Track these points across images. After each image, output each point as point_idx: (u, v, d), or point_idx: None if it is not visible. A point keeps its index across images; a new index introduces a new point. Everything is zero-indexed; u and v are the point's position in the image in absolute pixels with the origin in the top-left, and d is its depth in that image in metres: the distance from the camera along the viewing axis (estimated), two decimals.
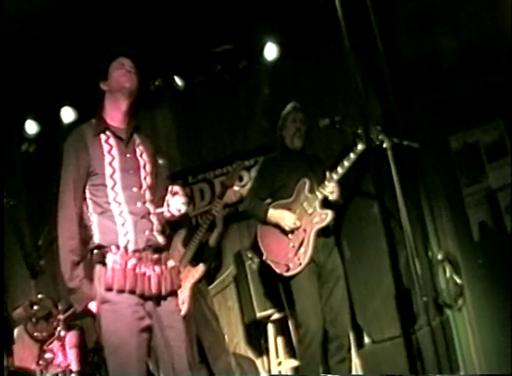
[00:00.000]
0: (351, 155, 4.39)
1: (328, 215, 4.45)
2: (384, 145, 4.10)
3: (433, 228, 5.67)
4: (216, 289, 5.67)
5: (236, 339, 5.69)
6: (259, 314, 5.12)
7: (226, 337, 5.07)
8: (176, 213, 3.08)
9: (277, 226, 4.48)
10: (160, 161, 4.71)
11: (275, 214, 4.48)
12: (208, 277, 5.20)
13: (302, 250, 4.38)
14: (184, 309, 4.46)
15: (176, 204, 3.06)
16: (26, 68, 5.10)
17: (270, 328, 5.27)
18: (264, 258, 4.50)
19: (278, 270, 4.42)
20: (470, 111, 5.67)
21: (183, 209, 3.09)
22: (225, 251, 5.65)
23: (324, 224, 4.45)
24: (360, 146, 4.38)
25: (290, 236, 4.45)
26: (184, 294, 4.55)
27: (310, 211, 4.45)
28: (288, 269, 4.37)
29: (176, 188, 3.11)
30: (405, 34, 5.57)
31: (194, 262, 4.74)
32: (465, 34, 5.42)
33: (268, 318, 5.20)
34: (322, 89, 5.73)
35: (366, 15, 5.50)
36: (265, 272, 4.76)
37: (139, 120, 5.82)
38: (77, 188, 3.04)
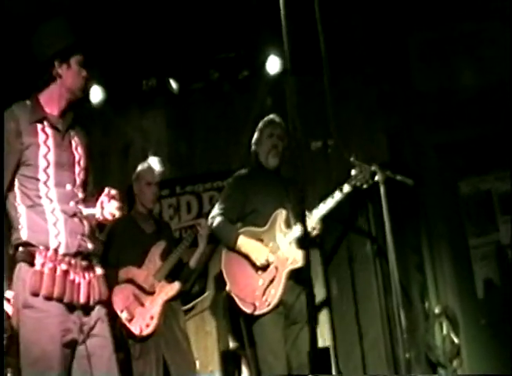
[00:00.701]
0: (337, 194, 3.97)
1: (303, 257, 4.00)
2: (377, 178, 3.69)
3: (432, 278, 5.19)
4: (195, 311, 5.28)
5: (210, 367, 5.23)
6: (232, 344, 4.77)
7: (198, 362, 4.68)
8: (110, 217, 2.85)
9: (246, 257, 4.02)
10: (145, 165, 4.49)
11: (246, 244, 3.99)
12: (187, 298, 4.91)
13: (272, 291, 3.90)
14: (152, 325, 4.19)
15: (111, 208, 2.83)
16: None
17: (244, 361, 4.84)
18: (227, 289, 4.02)
19: (243, 308, 3.91)
20: (485, 155, 5.27)
21: (117, 214, 2.85)
22: (210, 273, 5.31)
23: (297, 266, 3.93)
24: (347, 188, 3.97)
25: (259, 272, 3.97)
26: (154, 309, 4.23)
27: (284, 248, 3.98)
28: (255, 309, 3.89)
29: (113, 192, 2.86)
30: (420, 65, 5.21)
31: (170, 279, 4.38)
32: (484, 71, 5.05)
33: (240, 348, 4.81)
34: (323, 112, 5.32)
35: (380, 41, 5.39)
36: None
37: (130, 119, 5.69)
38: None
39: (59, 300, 2.72)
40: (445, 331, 5.01)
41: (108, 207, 2.82)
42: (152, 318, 4.20)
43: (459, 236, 5.35)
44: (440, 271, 5.23)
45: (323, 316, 5.11)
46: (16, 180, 2.84)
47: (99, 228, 3.11)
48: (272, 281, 3.92)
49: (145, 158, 4.62)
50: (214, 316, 5.21)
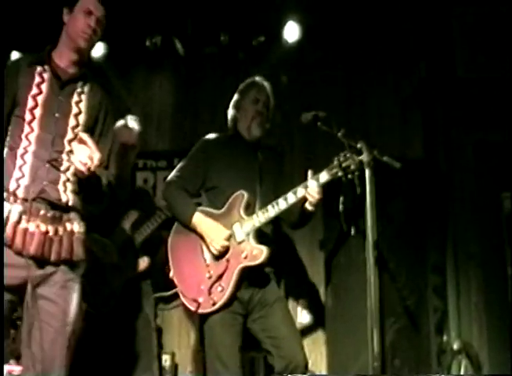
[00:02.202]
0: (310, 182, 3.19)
1: (263, 254, 3.21)
2: (362, 157, 2.91)
3: (455, 306, 4.32)
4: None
5: (190, 368, 4.55)
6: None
7: (168, 358, 4.30)
8: (82, 168, 2.62)
9: (198, 240, 3.34)
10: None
11: (203, 223, 3.31)
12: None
13: (219, 288, 3.23)
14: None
15: (80, 155, 2.64)
16: None
17: None
18: (171, 275, 3.37)
19: (185, 301, 3.27)
20: None
21: (90, 165, 2.61)
22: None
23: (254, 264, 3.22)
24: (324, 176, 3.20)
25: (208, 260, 3.30)
26: None
27: (240, 238, 3.28)
28: (198, 307, 3.22)
29: (85, 137, 2.69)
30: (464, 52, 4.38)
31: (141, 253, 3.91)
32: None
33: None
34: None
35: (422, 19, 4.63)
36: None
37: (133, 81, 5.12)
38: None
39: (9, 246, 2.61)
40: (462, 371, 4.12)
41: (78, 153, 2.65)
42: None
43: (495, 261, 4.45)
44: (465, 299, 4.36)
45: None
46: (11, 121, 2.81)
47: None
48: (220, 276, 3.22)
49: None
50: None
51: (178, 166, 3.49)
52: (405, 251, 3.92)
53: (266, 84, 3.54)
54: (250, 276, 3.27)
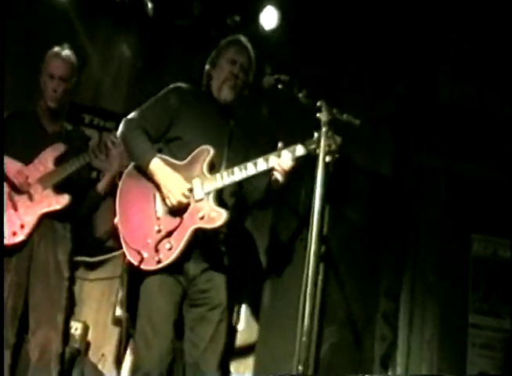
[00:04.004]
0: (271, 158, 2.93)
1: (221, 218, 2.91)
2: (319, 115, 2.70)
3: (405, 339, 3.94)
4: (104, 272, 4.27)
5: (103, 350, 4.12)
6: (118, 313, 3.88)
7: (79, 328, 3.89)
8: None
9: (152, 189, 3.03)
10: None
11: (161, 171, 3.01)
12: (97, 245, 4.17)
13: (167, 245, 2.91)
14: (21, 235, 3.39)
15: None
16: None
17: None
18: (115, 221, 3.04)
19: (127, 253, 2.94)
20: None
21: None
22: None
23: (210, 227, 2.92)
24: (301, 149, 2.97)
25: (160, 212, 2.99)
26: (28, 218, 3.43)
27: (199, 196, 2.97)
28: (141, 261, 2.90)
29: None
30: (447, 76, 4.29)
31: (59, 190, 3.49)
32: None
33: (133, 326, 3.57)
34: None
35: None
36: None
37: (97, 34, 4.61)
38: None
39: None
40: None
41: None
42: (22, 227, 3.40)
43: (456, 302, 4.13)
44: (418, 334, 3.98)
45: None
46: None
47: None
48: (170, 233, 2.93)
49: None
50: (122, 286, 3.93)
51: (142, 106, 3.16)
52: (357, 259, 3.59)
53: (249, 46, 3.25)
54: (204, 248, 3.00)
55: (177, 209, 2.93)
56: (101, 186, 3.65)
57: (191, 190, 2.94)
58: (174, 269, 2.94)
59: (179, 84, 3.22)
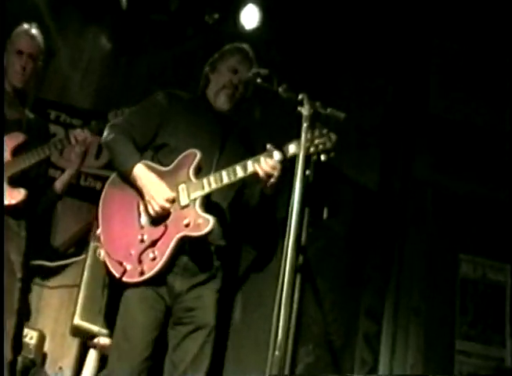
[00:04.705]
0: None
1: (208, 224, 2.71)
2: (303, 110, 2.50)
3: (387, 363, 3.68)
4: (65, 279, 4.05)
5: (61, 363, 3.89)
6: (77, 321, 3.55)
7: (34, 336, 3.68)
8: None
9: (135, 197, 2.86)
10: None
11: (145, 177, 2.84)
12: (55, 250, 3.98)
13: (151, 255, 2.73)
14: None
15: None
16: None
17: (91, 355, 3.55)
18: (98, 233, 2.89)
19: (109, 264, 2.77)
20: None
21: None
22: None
23: (196, 235, 2.74)
24: (293, 148, 2.77)
25: (144, 221, 2.81)
26: None
27: (184, 202, 2.79)
28: (124, 273, 2.72)
29: None
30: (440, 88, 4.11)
31: (16, 185, 3.22)
32: None
33: (92, 338, 3.56)
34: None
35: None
36: None
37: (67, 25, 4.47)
38: None
39: None
40: None
41: None
42: None
43: (441, 329, 3.88)
44: (401, 358, 3.71)
45: None
46: None
47: None
48: (155, 243, 2.75)
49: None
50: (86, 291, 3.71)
51: (129, 111, 3.02)
52: (337, 272, 3.38)
53: (253, 56, 3.07)
54: (193, 261, 2.81)
55: (160, 217, 2.77)
56: (59, 184, 3.39)
57: (174, 201, 2.78)
58: (158, 282, 2.77)
59: (169, 90, 3.05)
